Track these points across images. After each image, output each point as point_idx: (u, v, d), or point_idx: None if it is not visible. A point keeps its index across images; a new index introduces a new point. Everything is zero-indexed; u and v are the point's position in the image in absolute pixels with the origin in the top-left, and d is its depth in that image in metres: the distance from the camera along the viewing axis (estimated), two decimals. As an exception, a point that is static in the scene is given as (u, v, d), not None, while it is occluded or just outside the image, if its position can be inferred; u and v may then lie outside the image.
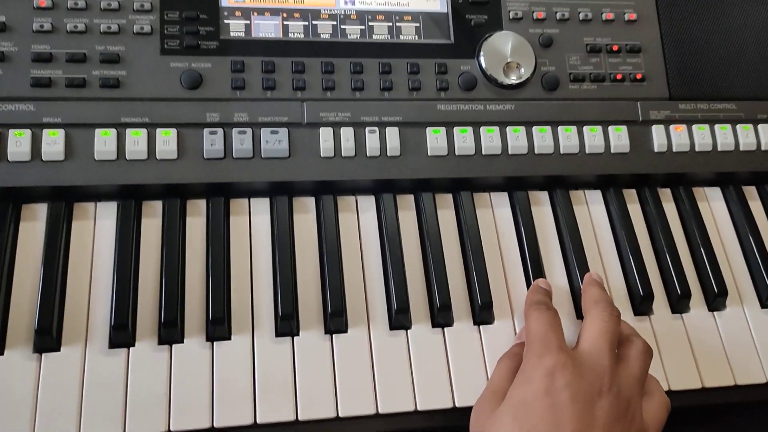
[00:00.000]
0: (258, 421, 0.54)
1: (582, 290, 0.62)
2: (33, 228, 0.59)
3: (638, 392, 0.53)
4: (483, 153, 0.66)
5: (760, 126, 0.72)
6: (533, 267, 0.63)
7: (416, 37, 0.69)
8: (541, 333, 0.54)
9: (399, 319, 0.59)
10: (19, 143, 0.58)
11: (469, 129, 0.66)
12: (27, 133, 0.59)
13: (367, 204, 0.65)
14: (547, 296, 0.60)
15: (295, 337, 0.58)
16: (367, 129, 0.64)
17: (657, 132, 0.70)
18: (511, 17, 0.70)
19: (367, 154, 0.64)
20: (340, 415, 0.55)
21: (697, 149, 0.70)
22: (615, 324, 0.55)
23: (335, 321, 0.58)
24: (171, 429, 0.53)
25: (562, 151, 0.67)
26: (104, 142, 0.60)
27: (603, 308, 0.56)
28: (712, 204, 0.72)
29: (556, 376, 0.50)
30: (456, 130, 0.66)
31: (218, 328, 0.56)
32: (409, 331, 0.59)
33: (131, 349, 0.55)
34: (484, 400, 0.54)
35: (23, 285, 0.56)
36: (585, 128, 0.68)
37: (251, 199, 0.64)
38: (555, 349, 0.52)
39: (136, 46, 0.63)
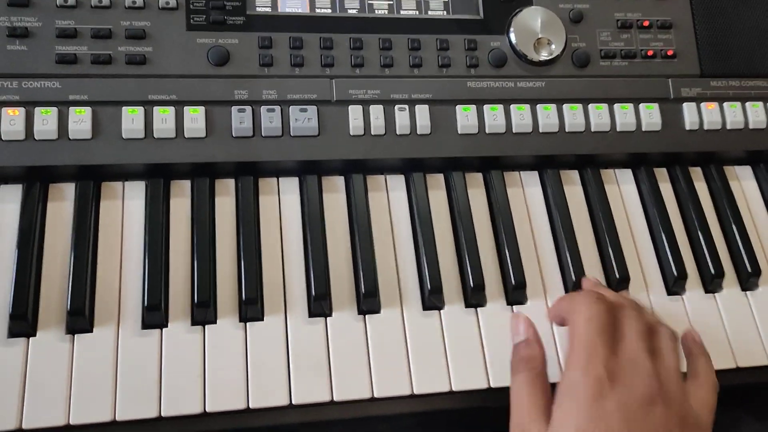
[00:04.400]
0: (293, 401, 0.53)
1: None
2: (61, 208, 0.58)
3: (680, 383, 0.50)
4: (513, 131, 0.65)
5: (792, 104, 0.71)
6: (568, 246, 0.62)
7: (445, 12, 0.67)
8: (589, 339, 0.49)
9: (432, 300, 0.59)
10: (45, 121, 0.57)
11: (500, 106, 0.65)
12: (53, 111, 0.57)
13: (397, 183, 0.64)
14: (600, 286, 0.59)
15: (329, 318, 0.57)
16: (396, 107, 0.63)
17: (688, 109, 0.69)
18: (541, -8, 0.69)
19: (397, 132, 0.63)
20: (375, 395, 0.55)
21: (728, 127, 0.69)
22: (644, 319, 0.52)
23: (368, 301, 0.57)
24: (207, 410, 0.52)
25: (593, 129, 0.66)
26: (131, 120, 0.59)
27: (630, 307, 0.53)
28: (743, 183, 0.71)
29: (604, 397, 0.46)
30: (486, 107, 0.65)
31: (251, 308, 0.56)
32: (442, 311, 0.59)
33: (164, 330, 0.55)
34: (520, 427, 0.49)
35: (53, 266, 0.55)
36: (616, 106, 0.67)
37: (280, 178, 0.63)
38: (600, 363, 0.47)
39: (161, 21, 0.61)
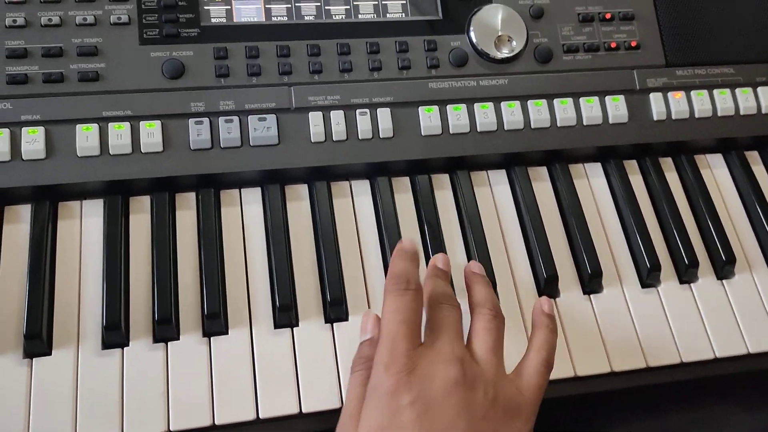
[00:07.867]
0: (261, 416, 0.52)
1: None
2: (17, 230, 0.57)
3: (493, 363, 0.49)
4: (478, 130, 0.64)
5: (759, 89, 0.70)
6: (538, 243, 0.61)
7: (403, 14, 0.67)
8: (391, 333, 0.48)
9: (401, 305, 0.57)
10: (-3, 143, 0.56)
11: (463, 106, 0.64)
12: (5, 132, 0.56)
13: (362, 188, 0.63)
14: (412, 269, 0.52)
15: (295, 328, 0.56)
16: (357, 111, 0.62)
17: (655, 100, 0.68)
18: (499, -11, 0.68)
19: (359, 137, 0.62)
20: (345, 405, 0.53)
21: (696, 116, 0.68)
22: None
23: (335, 310, 0.56)
24: (171, 428, 0.51)
25: (559, 124, 0.66)
26: (86, 138, 0.58)
27: (445, 296, 0.52)
28: (715, 171, 0.70)
29: (400, 392, 0.45)
30: (449, 107, 0.64)
31: (214, 322, 0.55)
32: (411, 316, 0.58)
33: (125, 349, 0.53)
34: (343, 426, 0.48)
35: (10, 289, 0.54)
36: (581, 100, 0.66)
37: (242, 189, 0.62)
38: (401, 357, 0.46)
39: (114, 37, 0.61)
